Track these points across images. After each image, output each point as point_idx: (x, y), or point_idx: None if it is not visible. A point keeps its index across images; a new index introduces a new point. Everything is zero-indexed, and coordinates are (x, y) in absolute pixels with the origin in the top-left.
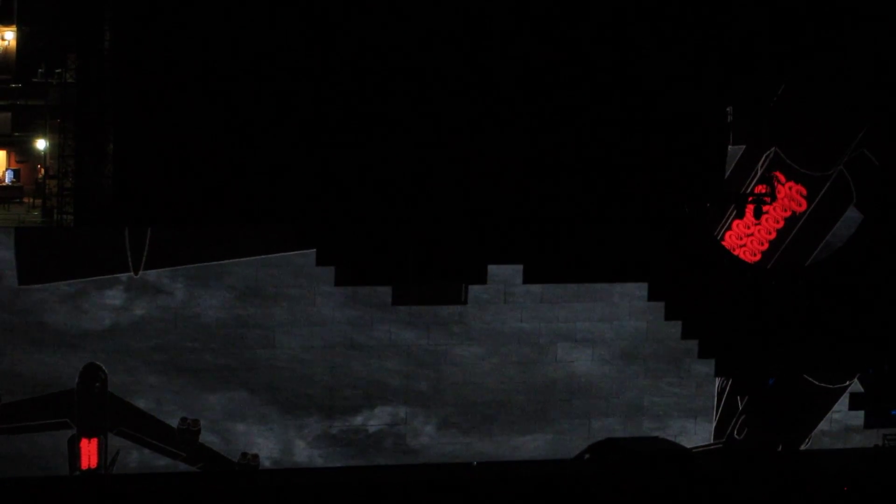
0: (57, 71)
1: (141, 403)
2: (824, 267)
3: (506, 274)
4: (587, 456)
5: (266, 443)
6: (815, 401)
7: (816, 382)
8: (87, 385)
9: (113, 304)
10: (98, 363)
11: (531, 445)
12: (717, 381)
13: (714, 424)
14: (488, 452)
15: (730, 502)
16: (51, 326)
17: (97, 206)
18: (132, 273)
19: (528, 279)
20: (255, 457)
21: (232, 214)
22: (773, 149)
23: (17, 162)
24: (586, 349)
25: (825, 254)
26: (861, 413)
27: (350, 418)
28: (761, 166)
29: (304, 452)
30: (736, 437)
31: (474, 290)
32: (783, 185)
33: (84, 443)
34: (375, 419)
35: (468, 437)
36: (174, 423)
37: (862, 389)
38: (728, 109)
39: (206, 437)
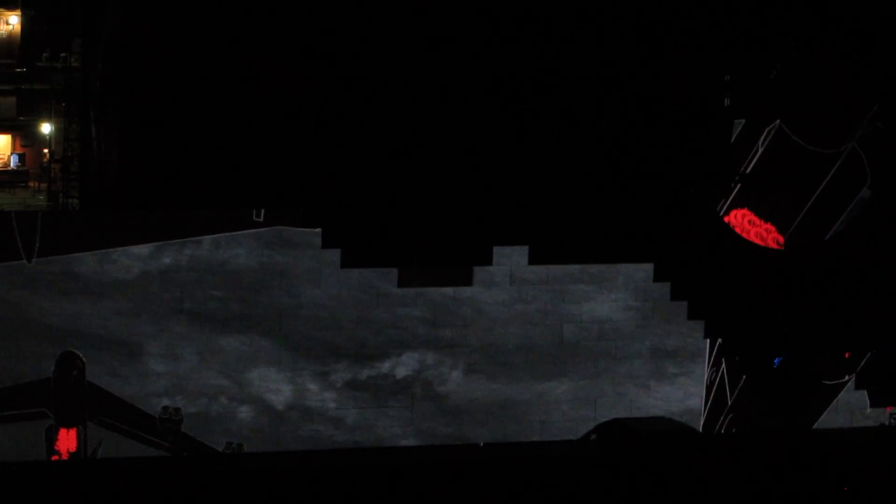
0: (62, 55)
1: (155, 348)
2: (831, 247)
3: (511, 255)
4: (593, 437)
5: (293, 389)
6: (818, 389)
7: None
8: (64, 374)
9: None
10: (75, 351)
11: (558, 390)
12: (706, 375)
13: (702, 421)
14: (514, 397)
15: (736, 482)
16: (79, 275)
17: (103, 189)
18: (25, 261)
19: (533, 260)
20: (241, 446)
21: (238, 196)
22: (776, 122)
23: (22, 146)
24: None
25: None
26: (865, 392)
27: (378, 365)
28: (762, 143)
29: (332, 398)
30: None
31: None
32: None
33: (62, 433)
34: (402, 366)
35: (494, 383)
36: (209, 375)
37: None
38: (726, 97)
39: (221, 383)
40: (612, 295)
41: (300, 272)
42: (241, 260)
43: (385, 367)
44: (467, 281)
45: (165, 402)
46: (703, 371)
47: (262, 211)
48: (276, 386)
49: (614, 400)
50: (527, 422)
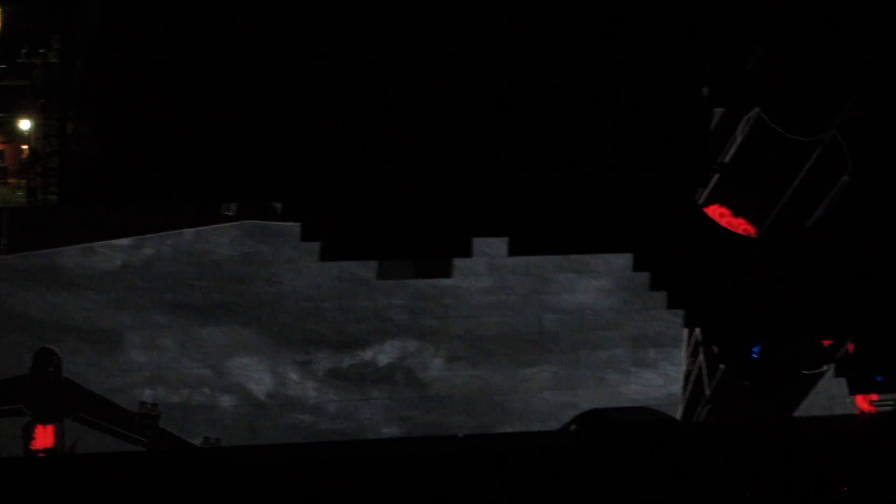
0: (41, 51)
1: (136, 339)
2: (810, 235)
3: (491, 246)
4: (573, 427)
5: (274, 378)
6: (798, 378)
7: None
8: (41, 370)
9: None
10: (52, 347)
11: (539, 377)
12: (683, 365)
13: (680, 413)
14: (496, 384)
15: (717, 471)
16: (62, 267)
17: (81, 185)
18: None
19: (513, 251)
20: (218, 440)
21: (216, 191)
22: (755, 111)
23: (1, 142)
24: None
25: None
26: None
27: (360, 353)
28: (741, 132)
29: (314, 386)
30: None
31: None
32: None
33: (39, 429)
34: (384, 354)
35: (476, 370)
36: (190, 365)
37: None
38: (705, 86)
39: (203, 373)
40: (594, 282)
41: (281, 262)
42: (223, 250)
43: (367, 355)
44: (447, 273)
45: (148, 391)
46: (684, 357)
47: (233, 205)
48: (257, 375)
49: (595, 386)
50: (508, 409)
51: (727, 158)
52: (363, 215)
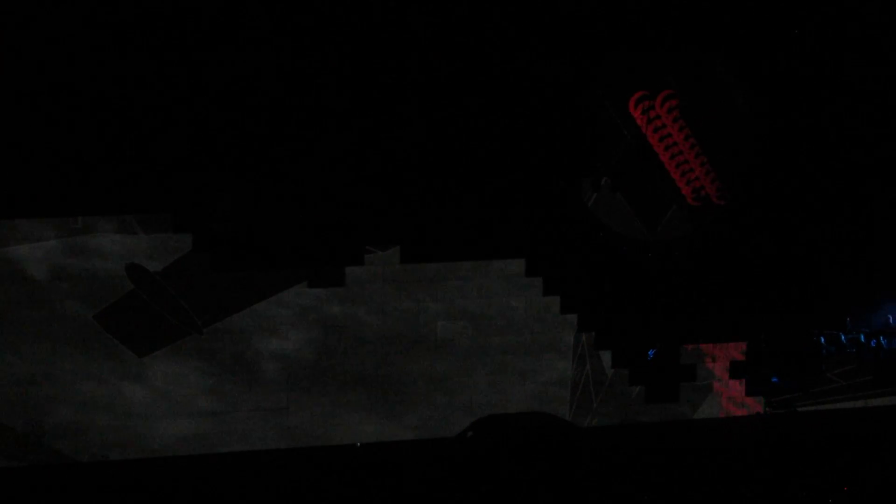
0: None
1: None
2: (702, 237)
3: (383, 254)
4: (470, 434)
5: (151, 381)
6: (694, 380)
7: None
8: None
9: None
10: None
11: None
12: (572, 374)
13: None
14: (395, 382)
15: (614, 477)
16: None
17: None
18: None
19: (405, 259)
20: (105, 456)
21: (101, 205)
22: (645, 112)
23: None
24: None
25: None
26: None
27: (255, 344)
28: (631, 134)
29: (209, 383)
30: None
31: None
32: None
33: None
34: (276, 349)
35: (376, 368)
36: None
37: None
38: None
39: (91, 387)
40: (488, 279)
41: (168, 257)
42: (106, 246)
43: (264, 345)
44: (339, 281)
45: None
46: (571, 367)
47: (80, 219)
48: (139, 370)
49: (492, 385)
50: (406, 406)
51: (617, 162)
52: (252, 225)
